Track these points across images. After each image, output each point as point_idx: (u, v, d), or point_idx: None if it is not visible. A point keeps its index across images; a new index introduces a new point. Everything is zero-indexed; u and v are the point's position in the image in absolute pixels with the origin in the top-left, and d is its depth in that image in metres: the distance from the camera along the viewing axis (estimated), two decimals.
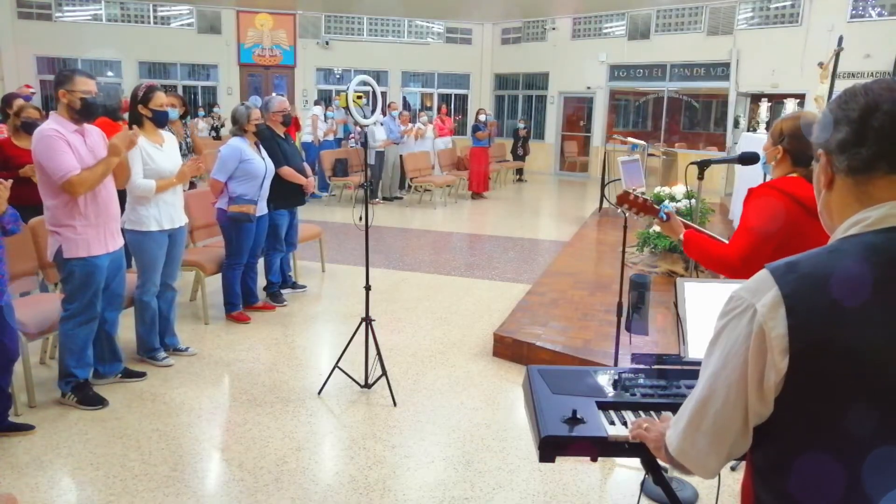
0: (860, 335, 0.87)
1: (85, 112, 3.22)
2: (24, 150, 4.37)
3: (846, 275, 0.90)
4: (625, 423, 1.51)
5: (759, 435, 0.98)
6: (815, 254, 0.95)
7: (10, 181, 2.90)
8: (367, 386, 3.68)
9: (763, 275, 0.96)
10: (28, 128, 4.46)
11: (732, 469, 2.83)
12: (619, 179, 8.21)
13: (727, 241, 2.24)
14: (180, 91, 14.59)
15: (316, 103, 11.79)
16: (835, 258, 0.93)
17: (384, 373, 3.62)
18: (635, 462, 2.40)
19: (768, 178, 2.30)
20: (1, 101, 5.44)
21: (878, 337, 0.87)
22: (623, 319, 2.94)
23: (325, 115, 11.53)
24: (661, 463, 1.59)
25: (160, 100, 3.78)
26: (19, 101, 4.62)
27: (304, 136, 11.05)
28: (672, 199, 5.83)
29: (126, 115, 4.56)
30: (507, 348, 4.21)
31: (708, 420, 1.01)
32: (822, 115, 1.02)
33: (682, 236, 2.26)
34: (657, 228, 5.60)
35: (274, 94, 6.55)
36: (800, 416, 0.92)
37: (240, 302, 4.85)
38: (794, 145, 2.14)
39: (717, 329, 1.01)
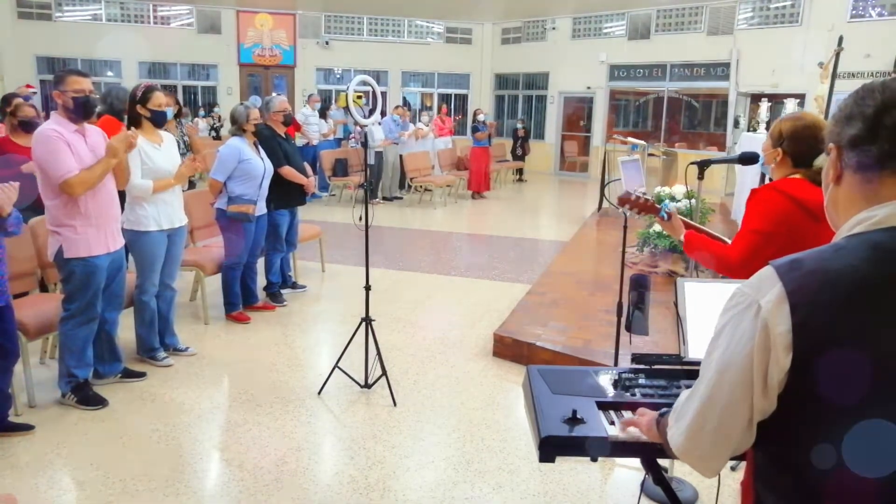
0: (864, 333, 0.87)
1: (78, 111, 3.22)
2: (24, 147, 4.37)
3: (851, 272, 0.89)
4: None
5: (761, 432, 0.98)
6: (820, 251, 0.94)
7: (18, 183, 2.89)
8: (367, 386, 3.68)
9: (767, 271, 0.95)
10: (26, 126, 4.46)
11: (732, 469, 2.82)
12: (620, 179, 8.21)
13: (729, 241, 2.24)
14: (180, 91, 14.62)
15: (310, 98, 11.38)
16: (839, 256, 0.92)
17: (384, 373, 3.62)
18: (635, 462, 2.40)
19: (768, 179, 2.29)
20: (1, 101, 5.44)
21: (882, 335, 0.87)
22: (623, 319, 2.94)
23: (317, 109, 11.13)
24: (661, 462, 1.59)
25: (159, 100, 3.78)
26: (17, 101, 4.63)
27: (298, 139, 10.78)
28: (672, 198, 5.83)
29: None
30: (508, 348, 4.21)
31: (713, 419, 1.00)
32: (836, 109, 1.02)
33: (682, 237, 2.26)
34: (658, 227, 5.61)
35: (274, 94, 6.54)
36: (802, 413, 0.91)
37: (239, 302, 4.85)
38: (794, 147, 2.14)
39: (719, 326, 1.00)
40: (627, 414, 1.56)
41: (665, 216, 2.28)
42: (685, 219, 2.34)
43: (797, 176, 2.14)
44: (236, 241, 4.65)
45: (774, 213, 2.06)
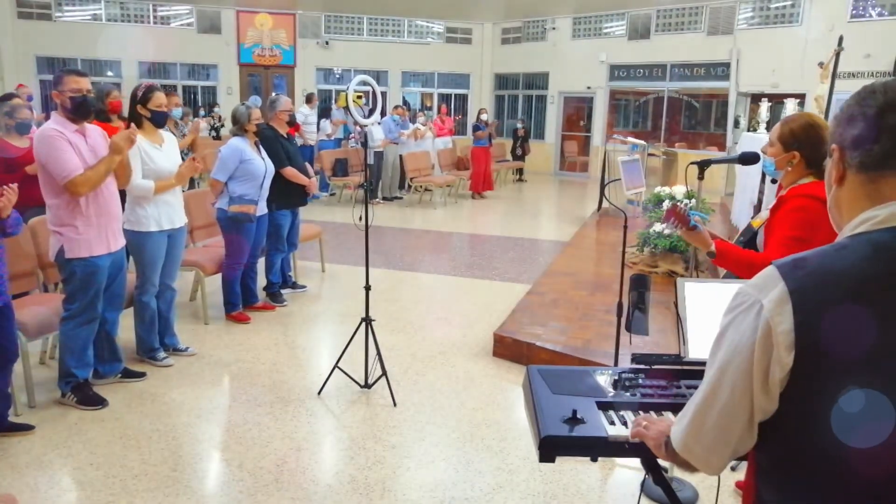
0: (866, 331, 0.87)
1: (76, 110, 3.22)
2: (20, 147, 4.37)
3: (853, 271, 0.90)
4: (625, 423, 1.51)
5: (763, 432, 0.98)
6: (823, 251, 0.95)
7: (16, 185, 2.89)
8: (367, 386, 3.68)
9: (770, 271, 0.96)
10: (21, 128, 4.45)
11: (732, 469, 2.82)
12: (619, 179, 8.22)
13: (730, 243, 2.23)
14: (180, 91, 14.59)
15: (307, 100, 11.41)
16: (842, 255, 0.93)
17: (384, 373, 3.62)
18: (635, 462, 2.40)
19: (769, 180, 2.29)
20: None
21: (884, 333, 0.87)
22: (623, 319, 2.94)
23: (316, 109, 11.09)
24: (661, 463, 1.59)
25: (159, 100, 3.78)
26: (16, 101, 4.61)
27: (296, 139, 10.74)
28: (672, 198, 5.83)
29: (113, 117, 4.56)
30: (507, 348, 4.21)
31: (713, 415, 1.00)
32: (838, 111, 1.02)
33: (713, 248, 2.16)
34: (658, 227, 5.61)
35: (278, 94, 6.54)
36: (804, 412, 0.91)
37: (240, 302, 4.85)
38: (811, 149, 2.12)
39: (722, 325, 1.00)
40: (627, 414, 1.56)
41: (697, 226, 2.17)
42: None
43: (811, 179, 2.13)
44: (237, 242, 4.65)
45: (813, 218, 2.05)
